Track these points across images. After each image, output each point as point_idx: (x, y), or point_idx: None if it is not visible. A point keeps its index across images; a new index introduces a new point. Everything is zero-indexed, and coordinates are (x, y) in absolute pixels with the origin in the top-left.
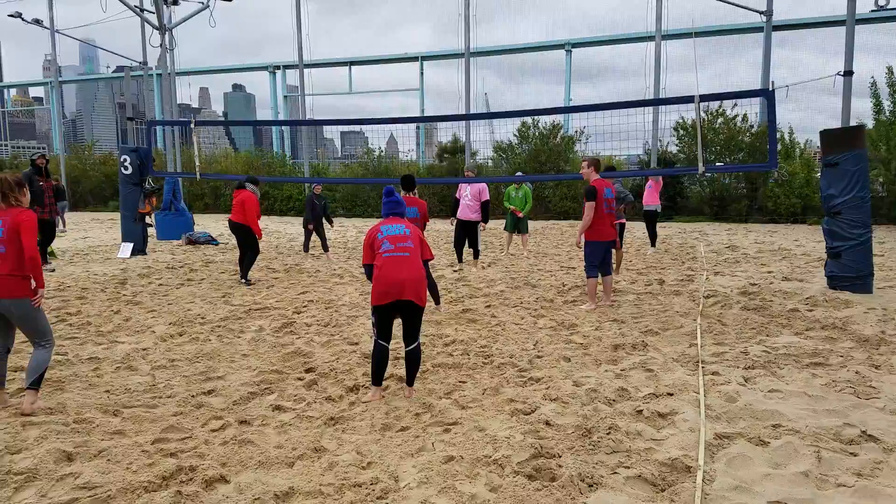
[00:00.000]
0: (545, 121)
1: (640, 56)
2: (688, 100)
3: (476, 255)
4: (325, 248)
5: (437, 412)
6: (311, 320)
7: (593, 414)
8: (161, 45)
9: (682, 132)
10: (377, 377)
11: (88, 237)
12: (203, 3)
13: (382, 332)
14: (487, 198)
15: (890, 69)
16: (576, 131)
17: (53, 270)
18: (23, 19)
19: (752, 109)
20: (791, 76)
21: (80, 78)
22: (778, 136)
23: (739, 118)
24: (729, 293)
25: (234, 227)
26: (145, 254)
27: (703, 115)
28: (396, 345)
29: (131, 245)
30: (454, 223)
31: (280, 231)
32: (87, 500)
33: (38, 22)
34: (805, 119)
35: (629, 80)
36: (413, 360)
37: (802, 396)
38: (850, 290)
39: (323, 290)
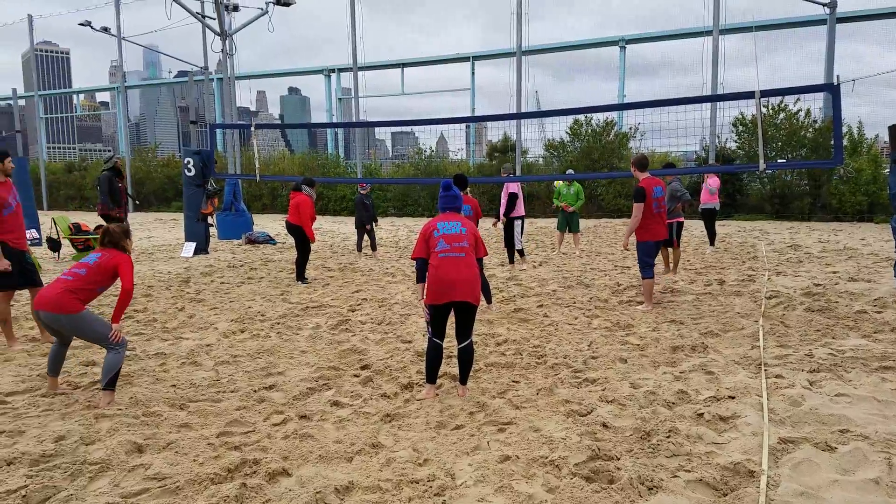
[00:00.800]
0: (598, 118)
1: (697, 51)
2: (748, 95)
3: (520, 253)
4: (374, 247)
5: (492, 411)
6: (365, 318)
7: (652, 417)
8: (222, 50)
9: (741, 128)
10: (431, 375)
11: (153, 237)
12: (262, 10)
13: (437, 330)
14: (513, 191)
15: None
16: (630, 128)
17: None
18: (92, 27)
19: (815, 104)
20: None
21: (144, 83)
22: (844, 131)
23: (802, 113)
24: (792, 294)
25: (291, 228)
26: (207, 253)
27: (763, 110)
28: (449, 343)
29: (194, 244)
30: (496, 224)
31: (334, 230)
32: (157, 491)
33: (106, 30)
34: (872, 114)
35: (685, 75)
36: (466, 358)
37: (871, 401)
38: None
39: (376, 288)
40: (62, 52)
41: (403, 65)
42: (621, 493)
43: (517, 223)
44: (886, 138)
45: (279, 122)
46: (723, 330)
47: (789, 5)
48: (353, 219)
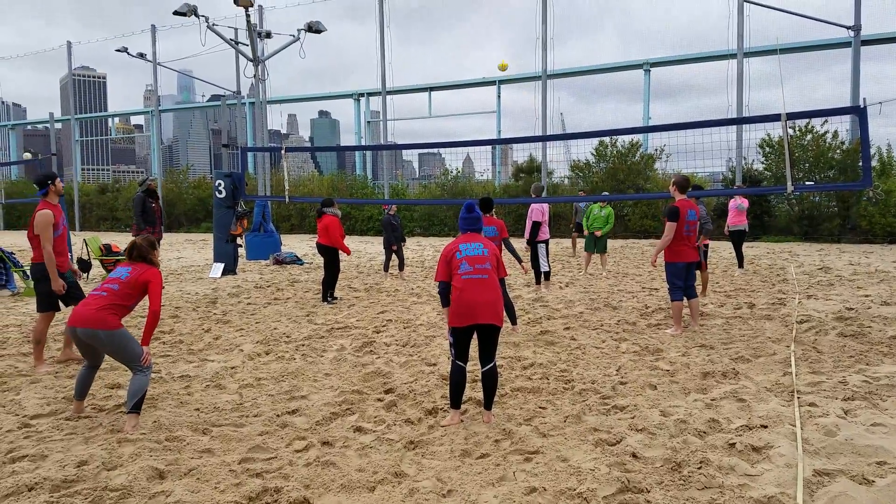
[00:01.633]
0: (623, 139)
1: (721, 73)
2: (774, 118)
3: (545, 276)
4: (401, 267)
5: (518, 439)
6: (389, 340)
7: (683, 446)
8: (254, 75)
9: (767, 149)
10: (456, 399)
11: (182, 257)
12: (294, 36)
13: (460, 352)
14: (536, 219)
15: None
16: (655, 150)
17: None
18: (128, 53)
19: (842, 126)
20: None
21: (177, 107)
22: (872, 152)
23: (829, 135)
24: (824, 318)
25: (322, 249)
26: (235, 273)
27: (790, 132)
28: (473, 366)
29: (222, 265)
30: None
31: (360, 250)
32: None
33: (141, 56)
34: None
35: (710, 97)
36: (490, 382)
37: None
38: None
39: (401, 309)
40: (99, 77)
41: (431, 88)
42: None
43: (541, 247)
44: None
45: (309, 144)
46: (754, 355)
47: (814, 28)
48: (379, 238)
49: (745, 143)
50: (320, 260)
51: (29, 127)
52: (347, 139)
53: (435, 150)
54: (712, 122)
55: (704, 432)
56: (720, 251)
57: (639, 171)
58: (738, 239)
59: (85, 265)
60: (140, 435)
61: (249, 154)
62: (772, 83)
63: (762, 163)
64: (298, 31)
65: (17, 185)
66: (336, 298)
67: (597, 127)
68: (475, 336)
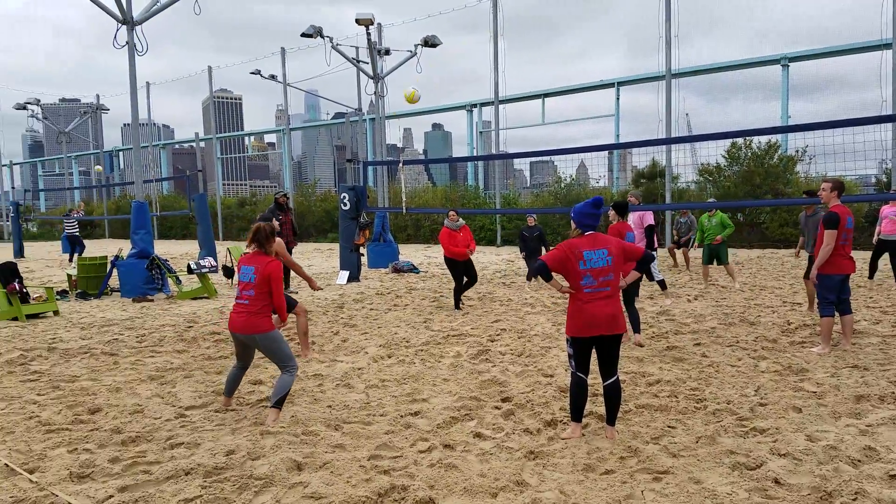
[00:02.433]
0: (759, 140)
1: (870, 66)
2: None
3: (661, 285)
4: (529, 277)
5: (645, 458)
6: (504, 349)
7: (833, 475)
8: (374, 92)
9: None
10: (577, 412)
11: (312, 265)
12: (411, 52)
13: (580, 364)
14: (651, 223)
15: None
16: (797, 151)
17: (296, 293)
18: (261, 76)
19: None
20: None
21: (305, 125)
22: None
23: None
24: None
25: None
26: (358, 281)
27: None
28: (593, 380)
29: (347, 273)
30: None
31: (472, 260)
32: None
33: (273, 77)
34: None
35: (858, 93)
36: (613, 396)
37: None
38: None
39: (515, 318)
40: (236, 98)
41: (545, 95)
42: None
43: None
44: None
45: (423, 156)
46: None
47: None
48: (490, 248)
49: None
50: (434, 269)
51: (177, 146)
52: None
53: (547, 158)
54: (863, 119)
55: (859, 461)
56: (866, 260)
57: (777, 174)
58: (893, 249)
59: (229, 272)
60: (280, 428)
61: (370, 167)
62: None
63: None
64: (416, 46)
65: (168, 198)
66: (460, 307)
67: (725, 128)
68: (595, 349)
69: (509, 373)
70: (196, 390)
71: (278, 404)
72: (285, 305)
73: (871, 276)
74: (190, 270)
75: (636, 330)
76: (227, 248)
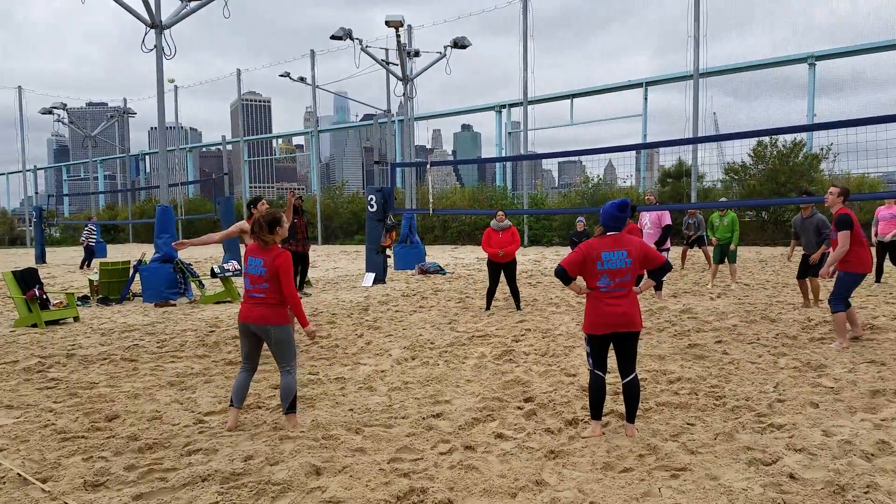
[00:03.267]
0: (784, 139)
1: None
2: None
3: (658, 287)
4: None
5: (663, 455)
6: (528, 349)
7: (847, 469)
8: (403, 94)
9: None
10: (596, 410)
11: (338, 267)
12: (441, 53)
13: (598, 361)
14: (669, 223)
15: None
16: (821, 149)
17: (309, 295)
18: (290, 78)
19: None
20: None
21: (334, 127)
22: None
23: None
24: None
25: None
26: (384, 282)
27: None
28: (615, 378)
29: (373, 275)
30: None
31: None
32: None
33: (302, 80)
34: None
35: (885, 91)
36: (632, 394)
37: None
38: None
39: (540, 318)
40: (264, 101)
41: (573, 95)
42: None
43: (666, 254)
44: None
45: (452, 157)
46: None
47: None
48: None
49: None
50: (461, 271)
51: (204, 149)
52: (488, 151)
53: (575, 158)
54: (888, 117)
55: (873, 455)
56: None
57: (802, 172)
58: (893, 250)
59: None
60: (300, 433)
61: (398, 169)
62: None
63: None
64: (445, 47)
65: (194, 202)
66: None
67: (753, 127)
68: (613, 346)
69: (533, 373)
70: (216, 395)
71: (292, 408)
72: (298, 298)
73: (878, 280)
74: (213, 274)
75: (658, 287)
76: None
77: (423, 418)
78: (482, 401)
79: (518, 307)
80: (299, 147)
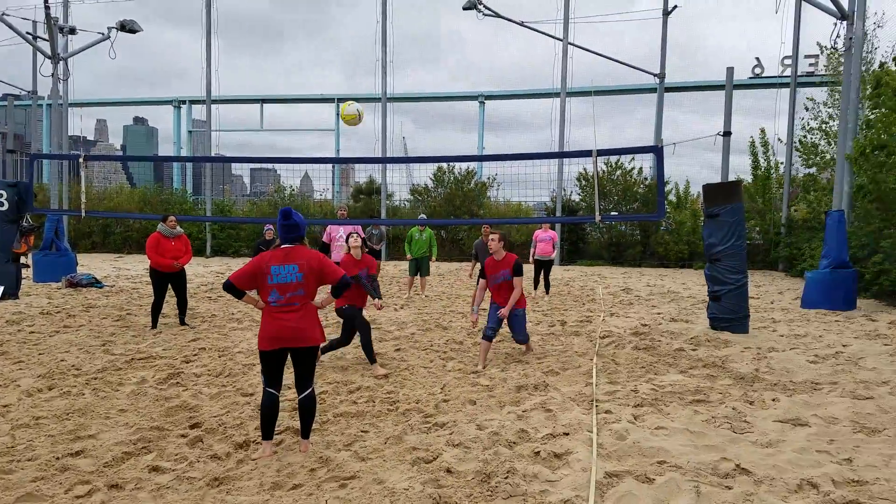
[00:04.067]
0: (460, 166)
1: (547, 110)
2: (586, 154)
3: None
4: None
5: (335, 466)
6: (200, 370)
7: (493, 458)
8: (53, 74)
9: (584, 182)
10: (267, 430)
11: None
12: (103, 34)
13: (270, 378)
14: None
15: (763, 130)
16: (488, 178)
17: None
18: None
19: (647, 163)
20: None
21: None
22: (671, 188)
23: (636, 171)
24: (622, 333)
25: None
26: (17, 298)
27: (602, 167)
28: (294, 394)
29: (1, 288)
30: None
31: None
32: None
33: None
34: (695, 172)
35: (538, 132)
36: (307, 410)
37: (685, 433)
38: (729, 331)
39: (217, 335)
40: None
41: (263, 100)
42: None
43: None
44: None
45: (121, 152)
46: (562, 368)
47: (628, 74)
48: (199, 258)
49: (565, 175)
50: (123, 283)
51: None
52: (166, 150)
53: (269, 166)
54: (536, 154)
55: (514, 443)
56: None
57: (473, 197)
58: (545, 267)
59: None
60: None
61: (45, 162)
62: (590, 121)
63: (579, 194)
64: (109, 28)
65: None
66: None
67: (436, 153)
68: (291, 362)
69: (203, 396)
70: None
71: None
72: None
73: (535, 288)
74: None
75: (371, 361)
76: None
77: (57, 458)
78: (137, 432)
79: (182, 321)
80: None
